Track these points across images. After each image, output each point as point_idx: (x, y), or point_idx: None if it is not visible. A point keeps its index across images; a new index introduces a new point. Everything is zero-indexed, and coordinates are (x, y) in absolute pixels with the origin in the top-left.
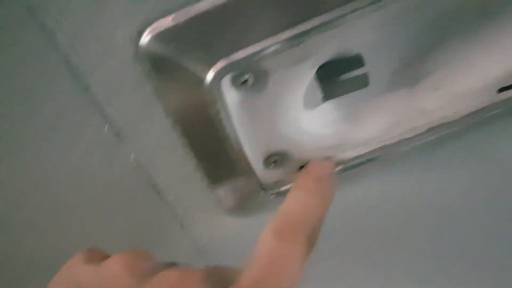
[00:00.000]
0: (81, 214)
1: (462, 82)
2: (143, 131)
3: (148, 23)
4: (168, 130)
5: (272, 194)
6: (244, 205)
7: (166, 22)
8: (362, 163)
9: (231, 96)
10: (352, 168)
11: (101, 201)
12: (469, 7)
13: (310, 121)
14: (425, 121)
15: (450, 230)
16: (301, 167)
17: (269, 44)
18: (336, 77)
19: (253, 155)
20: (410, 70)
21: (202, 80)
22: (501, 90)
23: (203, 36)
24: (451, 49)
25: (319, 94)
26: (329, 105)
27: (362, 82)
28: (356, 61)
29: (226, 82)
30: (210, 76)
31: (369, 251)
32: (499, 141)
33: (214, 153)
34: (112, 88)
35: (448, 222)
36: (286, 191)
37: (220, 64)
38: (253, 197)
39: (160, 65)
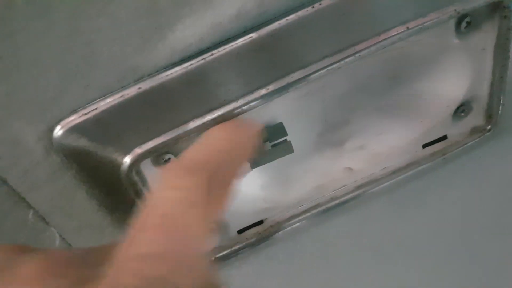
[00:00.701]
0: None
1: (385, 141)
2: (68, 214)
3: (58, 120)
4: (94, 210)
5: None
6: None
7: (75, 118)
8: (297, 222)
9: (154, 175)
10: (286, 228)
11: None
12: (377, 79)
13: (245, 188)
14: (353, 179)
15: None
16: (239, 232)
17: (184, 130)
18: (262, 147)
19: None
20: (334, 133)
21: (119, 166)
22: (426, 145)
23: (113, 129)
24: (369, 113)
25: (247, 164)
26: (258, 172)
27: (287, 149)
28: (279, 131)
29: (146, 164)
30: (126, 163)
31: None
32: (430, 193)
33: None
34: (31, 182)
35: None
36: (224, 258)
37: (136, 152)
38: None
39: (75, 155)
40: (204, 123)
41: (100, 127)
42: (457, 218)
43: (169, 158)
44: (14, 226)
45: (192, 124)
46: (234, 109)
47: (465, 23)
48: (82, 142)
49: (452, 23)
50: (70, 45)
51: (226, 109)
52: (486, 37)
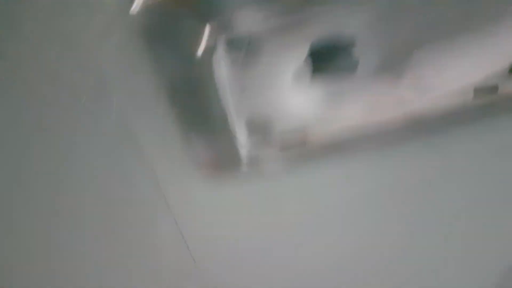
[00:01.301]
0: None
1: (441, 79)
2: (129, 84)
3: None
4: (153, 87)
5: (251, 165)
6: (221, 173)
7: None
8: (338, 145)
9: (224, 63)
10: (328, 147)
11: None
12: (450, 21)
13: (297, 96)
14: (402, 110)
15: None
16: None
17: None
18: (327, 59)
19: (237, 121)
20: (397, 61)
21: (198, 35)
22: (477, 92)
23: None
24: (439, 45)
25: (308, 71)
26: (316, 84)
27: (352, 67)
28: (349, 45)
29: (220, 50)
30: (206, 32)
31: None
32: (469, 142)
33: (199, 116)
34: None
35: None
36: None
37: (216, 32)
38: (231, 166)
39: (157, 25)
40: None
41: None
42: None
43: (240, 49)
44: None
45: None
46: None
47: None
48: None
49: None
50: None
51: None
52: None
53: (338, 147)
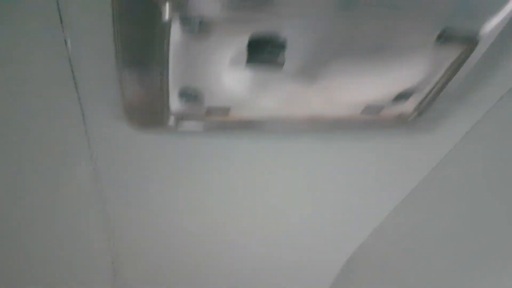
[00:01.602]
0: None
1: (343, 92)
2: (86, 26)
3: None
4: (108, 38)
5: (175, 120)
6: (146, 119)
7: None
8: (253, 125)
9: (176, 33)
10: (244, 127)
11: None
12: (367, 45)
13: (229, 77)
14: (307, 110)
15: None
16: (208, 109)
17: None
18: (261, 51)
19: (173, 83)
20: (315, 67)
21: (159, 14)
22: (365, 109)
23: None
24: (346, 65)
25: (244, 58)
26: (247, 70)
27: (279, 62)
28: (281, 44)
29: (177, 23)
30: (166, 12)
31: None
32: (352, 146)
33: (142, 68)
34: None
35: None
36: (188, 124)
37: (174, 9)
38: (158, 116)
39: None
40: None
41: None
42: (352, 170)
43: (194, 27)
44: (34, 19)
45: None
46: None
47: (443, 38)
48: None
49: (436, 32)
50: None
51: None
52: (449, 54)
53: (252, 127)
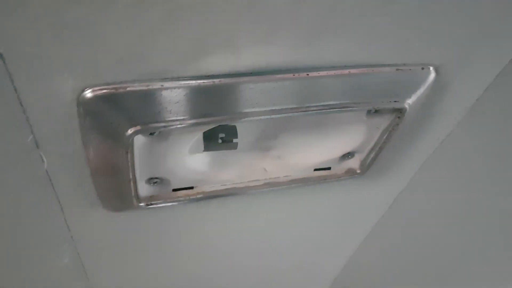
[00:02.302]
0: None
1: (295, 159)
2: (60, 149)
3: (92, 85)
4: (80, 154)
5: (145, 204)
6: (119, 205)
7: (108, 89)
8: (216, 196)
9: (139, 140)
10: (209, 198)
11: None
12: (309, 124)
13: (190, 161)
14: (264, 177)
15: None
16: (173, 190)
17: (178, 123)
18: (216, 139)
19: (140, 175)
20: (266, 142)
21: (122, 132)
22: (316, 170)
23: (129, 107)
24: (292, 137)
25: (201, 147)
26: (205, 154)
27: (233, 146)
28: (232, 131)
29: (139, 134)
30: (129, 132)
31: None
32: (312, 199)
33: (111, 171)
34: (46, 116)
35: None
36: (158, 205)
37: (138, 128)
38: (130, 201)
39: (91, 114)
40: (196, 123)
41: (121, 102)
42: (310, 224)
43: (153, 133)
44: (11, 141)
45: (187, 121)
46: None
47: (374, 110)
48: (101, 107)
49: (366, 108)
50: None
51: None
52: (382, 122)
53: (216, 197)
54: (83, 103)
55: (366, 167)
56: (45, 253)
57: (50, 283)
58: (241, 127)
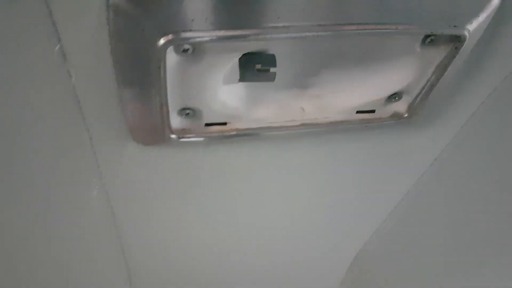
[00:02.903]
0: None
1: (336, 98)
2: (87, 60)
3: None
4: (108, 65)
5: (177, 137)
6: (150, 137)
7: None
8: (250, 134)
9: (171, 58)
10: (243, 136)
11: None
12: (354, 55)
13: (225, 93)
14: (301, 118)
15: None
16: (206, 124)
17: (213, 35)
18: (253, 68)
19: (172, 103)
20: (305, 79)
21: (153, 43)
22: (359, 112)
23: (165, 11)
24: (336, 74)
25: (236, 75)
26: (242, 85)
27: (270, 77)
28: (270, 60)
29: (171, 48)
30: (160, 42)
31: None
32: (348, 147)
33: (141, 89)
34: (74, 21)
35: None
36: (190, 139)
37: (171, 37)
38: (161, 133)
39: (123, 19)
40: (233, 35)
41: (154, 6)
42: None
43: (187, 50)
44: (38, 54)
45: (224, 33)
46: (258, 33)
47: (430, 40)
48: (132, 11)
49: (421, 36)
50: None
51: (255, 32)
52: (437, 55)
53: (249, 137)
54: (112, 6)
55: (414, 110)
56: (72, 187)
57: (75, 224)
58: (279, 58)
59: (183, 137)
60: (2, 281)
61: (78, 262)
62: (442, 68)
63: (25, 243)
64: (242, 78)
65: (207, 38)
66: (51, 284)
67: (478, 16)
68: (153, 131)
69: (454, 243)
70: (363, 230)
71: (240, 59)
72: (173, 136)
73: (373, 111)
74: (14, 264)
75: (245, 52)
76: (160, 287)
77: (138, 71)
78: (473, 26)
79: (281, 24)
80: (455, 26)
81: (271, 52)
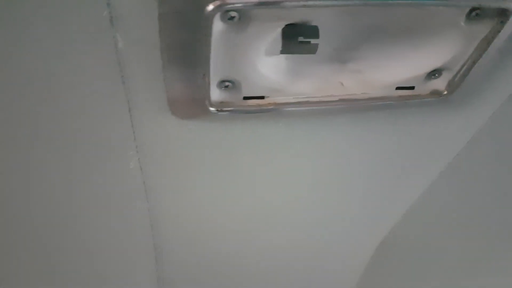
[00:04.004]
0: None
1: (376, 74)
2: (135, 26)
3: None
4: (155, 34)
5: (216, 110)
6: (189, 110)
7: None
8: (287, 109)
9: (217, 25)
10: (279, 110)
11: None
12: (393, 27)
13: (265, 65)
14: (340, 93)
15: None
16: (245, 98)
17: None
18: (295, 39)
19: (214, 74)
20: (345, 52)
21: (202, 8)
22: (398, 88)
23: None
24: (377, 49)
25: (279, 46)
26: (282, 58)
27: (312, 49)
28: (313, 32)
29: (217, 16)
30: (209, 8)
31: None
32: (386, 125)
33: (185, 58)
34: None
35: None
36: (228, 112)
37: (218, 2)
38: (200, 106)
39: None
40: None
41: None
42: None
43: (233, 18)
44: (86, 18)
45: None
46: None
47: (475, 13)
48: None
49: (466, 9)
50: None
51: None
52: (481, 30)
53: (288, 111)
54: None
55: (454, 88)
56: (106, 157)
57: (110, 196)
58: (321, 31)
59: (221, 110)
60: (34, 246)
61: (106, 235)
62: (485, 44)
63: (57, 211)
64: (284, 50)
65: (253, 3)
66: (79, 257)
67: None
68: (192, 104)
69: (487, 228)
70: (390, 215)
71: (283, 29)
72: (212, 109)
73: (412, 88)
74: (49, 232)
75: (289, 22)
76: (186, 268)
77: (184, 38)
78: None
79: None
80: None
81: (314, 23)
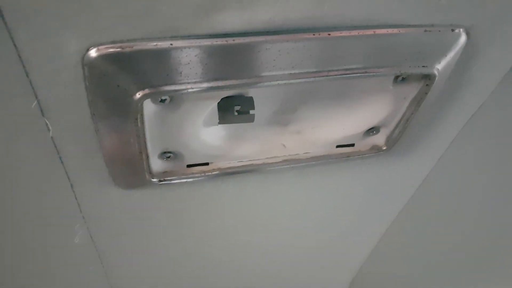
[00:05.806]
0: None
1: (315, 134)
2: (65, 113)
3: (97, 44)
4: (87, 116)
5: (158, 180)
6: (131, 182)
7: (114, 47)
8: (233, 173)
9: (149, 107)
10: (226, 175)
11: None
12: (328, 93)
13: (205, 134)
14: (282, 154)
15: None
16: (188, 166)
17: (190, 87)
18: (232, 110)
19: (152, 148)
20: (284, 116)
21: (130, 96)
22: (338, 146)
23: (137, 68)
24: (312, 111)
25: (216, 119)
26: (221, 127)
27: (250, 119)
28: (248, 103)
29: (148, 100)
30: (137, 96)
31: None
32: (334, 178)
33: (121, 137)
34: (51, 79)
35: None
36: (170, 181)
37: (147, 91)
38: (142, 177)
39: (97, 76)
40: (211, 87)
41: (128, 62)
42: (332, 201)
43: (164, 100)
44: (15, 108)
45: (200, 85)
46: (235, 84)
47: (401, 78)
48: (107, 68)
49: (393, 76)
50: None
51: (232, 82)
52: (409, 91)
53: (233, 173)
54: (88, 64)
55: (392, 143)
56: (55, 233)
57: (61, 267)
58: (258, 98)
59: (164, 180)
60: None
61: None
62: (416, 102)
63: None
64: (222, 121)
65: (184, 91)
66: None
67: (446, 56)
68: (133, 176)
69: (448, 262)
70: (356, 255)
71: (219, 102)
72: (154, 180)
73: (352, 145)
74: None
75: (223, 97)
76: None
77: (116, 121)
78: (442, 65)
79: (254, 76)
80: (424, 66)
81: (249, 95)
